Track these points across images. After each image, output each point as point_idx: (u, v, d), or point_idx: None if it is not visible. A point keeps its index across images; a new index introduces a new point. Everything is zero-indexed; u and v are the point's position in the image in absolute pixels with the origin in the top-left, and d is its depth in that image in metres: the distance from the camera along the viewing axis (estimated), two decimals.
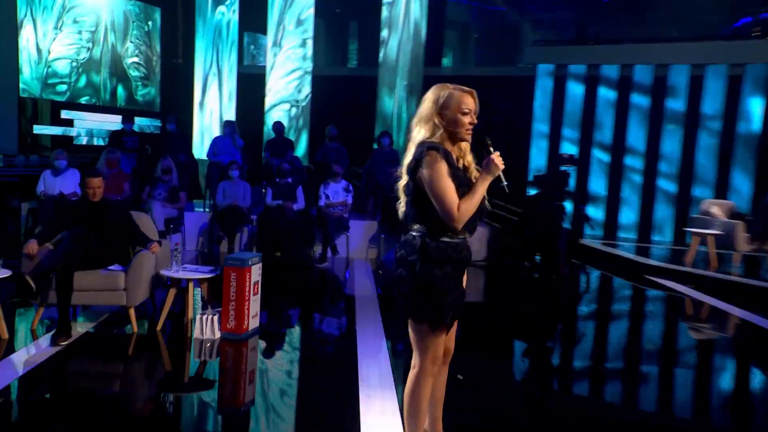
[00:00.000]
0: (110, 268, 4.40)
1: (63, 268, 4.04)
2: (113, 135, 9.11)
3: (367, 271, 7.32)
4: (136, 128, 9.55)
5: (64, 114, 12.41)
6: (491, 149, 2.48)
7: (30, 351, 3.99)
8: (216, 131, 11.64)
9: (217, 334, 4.39)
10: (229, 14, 12.13)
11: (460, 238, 2.49)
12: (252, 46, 15.17)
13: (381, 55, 11.30)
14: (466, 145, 2.55)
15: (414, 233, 2.47)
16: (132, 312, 4.41)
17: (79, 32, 12.59)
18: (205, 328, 4.36)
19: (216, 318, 4.39)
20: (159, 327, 4.52)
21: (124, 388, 3.83)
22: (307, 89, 11.48)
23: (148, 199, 7.52)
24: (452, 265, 2.46)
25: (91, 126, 12.84)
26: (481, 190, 2.44)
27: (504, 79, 11.79)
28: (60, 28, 12.15)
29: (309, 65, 11.57)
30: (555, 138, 10.49)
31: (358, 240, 7.94)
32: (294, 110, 11.48)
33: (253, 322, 4.53)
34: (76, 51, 12.48)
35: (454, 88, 2.49)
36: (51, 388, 3.66)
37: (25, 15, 11.61)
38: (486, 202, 2.50)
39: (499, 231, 8.45)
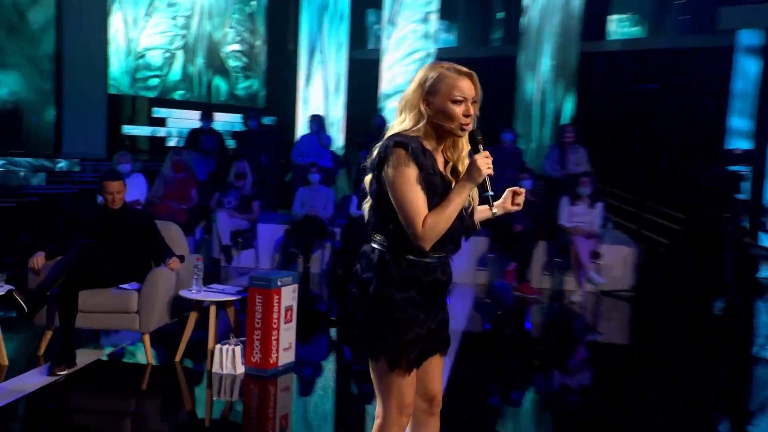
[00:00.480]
0: (125, 286, 4.66)
1: (64, 285, 4.34)
2: (191, 134, 9.74)
3: (473, 300, 7.24)
4: (220, 126, 10.19)
5: (157, 113, 13.44)
6: (480, 148, 2.32)
7: (24, 380, 4.31)
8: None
9: (240, 369, 4.49)
10: None
11: (434, 257, 2.35)
12: (376, 26, 15.50)
13: (521, 28, 11.12)
14: (465, 144, 2.42)
15: (374, 245, 2.38)
16: (146, 339, 4.64)
17: (173, 18, 13.63)
18: (225, 361, 4.48)
19: (239, 349, 4.50)
20: (177, 358, 4.72)
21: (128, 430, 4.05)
22: None
23: (216, 208, 7.92)
24: (418, 290, 2.34)
25: (185, 125, 13.83)
26: (456, 201, 2.29)
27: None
28: (150, 15, 13.21)
29: (432, 46, 11.61)
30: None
31: (463, 260, 7.81)
32: None
33: (285, 356, 4.59)
34: (169, 39, 13.52)
35: (448, 68, 2.35)
36: (33, 425, 3.94)
37: (114, 1, 12.73)
38: (465, 216, 2.39)
39: (650, 252, 8.03)
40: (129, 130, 13.17)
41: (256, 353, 4.47)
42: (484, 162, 2.27)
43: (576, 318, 7.04)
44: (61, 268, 4.43)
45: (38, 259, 4.62)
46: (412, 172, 2.25)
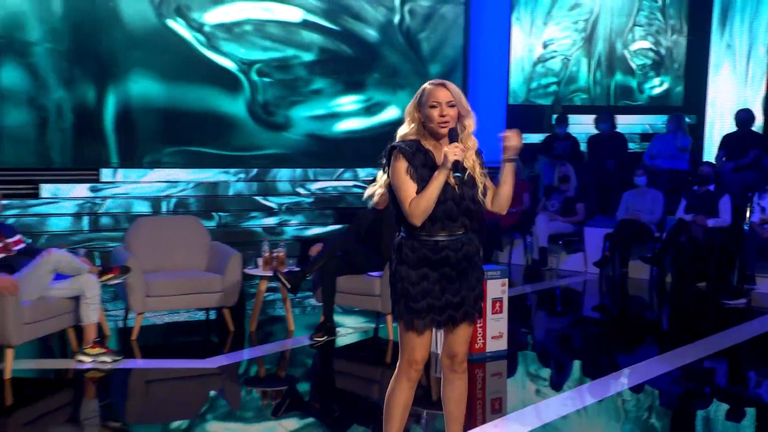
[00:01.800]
0: (372, 274, 5.92)
1: (321, 269, 5.78)
2: (546, 139, 10.64)
3: None
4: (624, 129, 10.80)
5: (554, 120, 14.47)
6: (459, 140, 3.00)
7: (285, 345, 5.90)
8: (728, 128, 11.76)
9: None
10: None
11: (443, 237, 3.06)
12: None
13: None
14: (474, 147, 3.13)
15: (400, 233, 3.18)
16: (388, 319, 5.83)
17: (575, 22, 14.58)
18: (438, 341, 5.41)
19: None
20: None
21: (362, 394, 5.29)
22: None
23: (540, 211, 8.75)
24: (431, 267, 3.07)
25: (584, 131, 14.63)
26: (434, 185, 2.97)
27: None
28: (547, 23, 14.37)
29: None
30: None
31: None
32: None
33: (494, 344, 5.31)
34: (568, 45, 14.50)
35: (430, 83, 3.15)
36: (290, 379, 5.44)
37: (512, 13, 14.17)
38: (465, 198, 3.02)
39: None
40: (529, 138, 14.43)
41: None
42: (452, 150, 2.94)
43: None
44: (319, 257, 5.88)
45: (316, 248, 6.14)
46: (401, 166, 3.04)
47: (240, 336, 6.27)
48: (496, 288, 5.36)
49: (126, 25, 11.16)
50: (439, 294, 3.08)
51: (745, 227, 7.94)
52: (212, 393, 5.16)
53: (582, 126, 14.22)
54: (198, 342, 6.50)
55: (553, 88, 14.55)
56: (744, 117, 9.37)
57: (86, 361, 5.13)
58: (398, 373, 3.19)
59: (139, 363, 5.53)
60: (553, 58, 14.41)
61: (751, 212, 7.81)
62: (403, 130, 3.13)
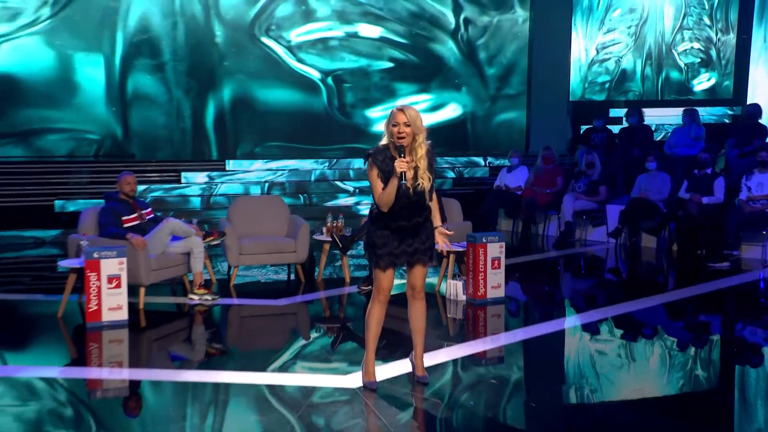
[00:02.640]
0: None
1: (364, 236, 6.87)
2: (585, 131, 11.30)
3: None
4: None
5: (613, 113, 14.96)
6: (403, 155, 3.92)
7: (341, 291, 6.98)
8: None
9: (461, 297, 6.37)
10: None
11: (399, 222, 4.01)
12: None
13: None
14: (422, 153, 4.01)
15: (372, 207, 4.18)
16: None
17: (628, 27, 15.01)
18: (451, 290, 6.42)
19: (461, 285, 6.38)
20: (436, 289, 6.82)
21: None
22: None
23: (568, 192, 9.53)
24: (390, 231, 4.04)
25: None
26: (389, 187, 3.92)
27: None
28: (603, 28, 14.87)
29: None
30: None
31: None
32: None
33: (494, 292, 6.26)
34: (620, 48, 14.96)
35: (396, 107, 4.05)
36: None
37: (572, 20, 14.76)
38: (409, 192, 3.94)
39: None
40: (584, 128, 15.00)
41: (471, 287, 6.30)
42: (398, 165, 3.88)
43: None
44: (363, 225, 6.89)
45: (364, 220, 7.19)
46: (373, 172, 4.00)
47: (309, 285, 7.29)
48: (495, 249, 6.23)
49: (230, 45, 12.74)
50: (397, 245, 4.02)
51: (736, 203, 8.49)
52: (287, 324, 6.27)
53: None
54: (278, 288, 7.46)
55: (607, 85, 15.10)
56: (751, 110, 9.81)
57: (194, 299, 6.32)
58: (373, 299, 4.15)
59: (234, 301, 6.66)
60: (607, 60, 14.94)
61: (740, 191, 8.36)
62: (381, 140, 4.03)
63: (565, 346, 5.59)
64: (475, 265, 6.23)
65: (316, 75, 13.30)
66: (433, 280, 6.82)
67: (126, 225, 6.24)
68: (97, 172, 11.41)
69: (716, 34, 15.03)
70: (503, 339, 5.49)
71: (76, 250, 6.08)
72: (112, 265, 5.56)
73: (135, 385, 4.64)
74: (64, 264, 6.10)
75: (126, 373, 4.87)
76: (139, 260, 5.99)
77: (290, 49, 13.09)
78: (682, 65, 15.07)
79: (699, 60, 15.16)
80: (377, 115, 13.60)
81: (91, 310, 5.54)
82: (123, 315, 5.63)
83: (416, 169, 3.95)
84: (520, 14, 14.75)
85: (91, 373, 4.81)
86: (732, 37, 15.01)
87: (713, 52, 15.11)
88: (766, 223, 8.03)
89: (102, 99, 12.08)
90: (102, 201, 6.60)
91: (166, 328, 6.05)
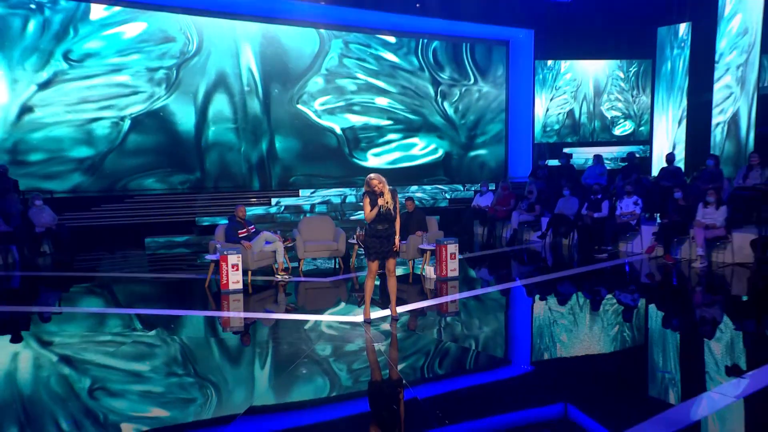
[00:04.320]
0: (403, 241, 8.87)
1: None
2: (534, 167, 13.08)
3: (632, 261, 9.19)
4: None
5: (566, 150, 16.63)
6: (381, 196, 5.89)
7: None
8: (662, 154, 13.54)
9: (432, 276, 8.29)
10: None
11: (381, 228, 5.84)
12: None
13: None
14: (388, 194, 5.86)
15: (366, 225, 6.14)
16: (411, 264, 8.81)
17: (570, 91, 16.71)
18: (428, 272, 8.36)
19: (433, 268, 8.33)
20: (421, 271, 8.70)
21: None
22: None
23: (517, 209, 11.38)
24: (376, 238, 5.86)
25: (581, 156, 16.69)
26: (374, 211, 5.75)
27: None
28: (550, 94, 16.61)
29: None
30: None
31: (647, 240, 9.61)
32: None
33: (451, 273, 8.14)
34: (565, 105, 16.66)
35: (375, 176, 5.83)
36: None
37: (534, 88, 16.51)
38: (389, 212, 5.88)
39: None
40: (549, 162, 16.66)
41: (437, 269, 8.23)
42: (380, 201, 5.77)
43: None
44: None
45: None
46: (367, 201, 5.87)
47: (345, 269, 8.84)
48: (452, 248, 8.04)
49: (278, 111, 13.96)
50: (379, 247, 5.77)
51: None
52: (333, 292, 7.73)
53: (576, 155, 16.36)
54: (327, 271, 8.75)
55: (555, 128, 16.75)
56: (669, 157, 11.35)
57: (278, 278, 8.07)
58: (367, 275, 5.91)
59: (301, 279, 8.29)
60: (554, 114, 16.63)
61: (616, 210, 10.09)
62: (375, 185, 5.89)
63: (498, 302, 7.10)
64: (440, 257, 8.15)
65: (335, 127, 14.66)
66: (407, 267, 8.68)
67: (240, 235, 8.14)
68: (214, 199, 12.85)
69: (632, 95, 16.62)
70: (454, 297, 7.24)
71: (213, 249, 8.17)
72: (234, 258, 7.46)
73: (249, 321, 6.31)
74: (208, 257, 8.08)
75: (242, 315, 6.54)
76: (247, 255, 7.83)
77: (315, 111, 14.44)
78: (608, 117, 16.68)
79: (620, 113, 16.75)
80: (379, 156, 15.15)
81: (223, 282, 7.48)
82: (239, 286, 7.46)
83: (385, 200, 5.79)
84: (502, 87, 16.45)
85: (223, 315, 6.62)
86: (645, 98, 16.57)
87: (630, 108, 16.70)
88: (629, 230, 9.76)
89: (202, 148, 13.48)
90: (225, 219, 8.50)
91: (263, 294, 7.49)
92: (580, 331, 5.95)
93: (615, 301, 7.19)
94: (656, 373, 4.81)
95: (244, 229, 8.23)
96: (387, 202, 5.74)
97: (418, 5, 14.03)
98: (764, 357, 4.97)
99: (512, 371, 4.87)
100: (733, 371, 4.66)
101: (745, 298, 7.21)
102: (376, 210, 5.70)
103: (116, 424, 3.96)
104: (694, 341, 5.66)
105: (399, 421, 3.95)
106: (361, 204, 8.27)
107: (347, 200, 13.84)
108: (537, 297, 7.43)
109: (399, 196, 6.50)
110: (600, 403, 4.12)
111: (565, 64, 16.44)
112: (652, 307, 6.93)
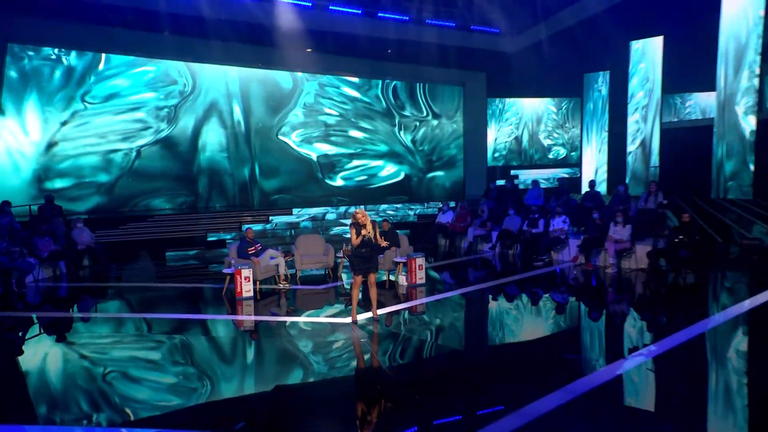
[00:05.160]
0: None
1: None
2: (486, 189, 14.03)
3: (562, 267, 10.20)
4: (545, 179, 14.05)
5: (513, 172, 17.66)
6: (365, 227, 6.74)
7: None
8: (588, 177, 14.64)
9: (405, 283, 9.10)
10: None
11: (363, 250, 6.62)
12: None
13: None
14: (369, 225, 6.66)
15: (352, 247, 7.01)
16: (387, 273, 9.65)
17: (515, 122, 17.71)
18: (401, 280, 9.19)
19: (405, 277, 9.17)
20: (395, 279, 9.49)
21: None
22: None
23: (472, 225, 12.31)
24: (360, 257, 6.63)
25: (525, 177, 17.62)
26: (358, 238, 6.56)
27: None
28: (500, 125, 17.62)
29: None
30: None
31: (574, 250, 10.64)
32: None
33: (419, 281, 8.94)
34: (509, 136, 17.69)
35: (360, 212, 6.71)
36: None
37: (487, 120, 17.45)
38: (370, 240, 6.74)
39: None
40: (498, 182, 17.60)
41: (408, 277, 9.05)
42: (364, 231, 6.57)
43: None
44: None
45: None
46: (354, 231, 6.66)
47: (334, 278, 9.34)
48: (420, 261, 8.87)
49: (263, 142, 14.42)
50: (363, 265, 6.46)
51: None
52: (324, 297, 8.28)
53: (526, 175, 17.33)
54: (319, 279, 9.23)
55: (503, 154, 17.74)
56: (591, 183, 12.41)
57: (280, 286, 8.72)
58: (353, 286, 6.63)
59: (299, 286, 8.83)
60: (501, 142, 17.62)
61: (550, 226, 11.12)
62: (360, 219, 6.81)
63: (457, 303, 7.96)
64: (411, 268, 8.96)
65: (311, 155, 15.28)
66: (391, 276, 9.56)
67: (249, 252, 8.80)
68: (223, 217, 13.32)
69: (563, 127, 17.74)
70: (422, 301, 8.02)
71: (228, 264, 8.88)
72: (246, 271, 8.16)
73: (257, 322, 7.12)
74: (225, 271, 8.75)
75: (253, 318, 7.30)
76: (256, 269, 8.54)
77: (294, 141, 14.96)
78: (545, 144, 17.76)
79: (554, 141, 17.83)
80: (347, 177, 15.73)
81: (237, 291, 8.18)
82: (251, 293, 8.13)
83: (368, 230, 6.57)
84: (459, 120, 17.37)
85: (237, 317, 7.33)
86: (575, 129, 17.69)
87: (562, 137, 17.80)
88: (560, 243, 10.75)
89: (195, 174, 14.05)
90: (227, 235, 9.16)
91: (269, 299, 8.12)
92: (523, 323, 6.90)
93: (549, 298, 8.19)
94: (575, 353, 5.79)
95: (252, 247, 8.92)
96: (369, 232, 6.48)
97: (389, 51, 14.84)
98: (656, 337, 6.01)
99: (468, 359, 5.76)
100: (632, 350, 5.68)
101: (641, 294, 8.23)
102: (360, 238, 6.44)
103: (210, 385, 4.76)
104: (608, 327, 6.72)
105: (380, 398, 4.79)
106: (347, 226, 8.98)
107: (327, 217, 14.46)
108: (489, 297, 8.33)
109: (374, 216, 7.17)
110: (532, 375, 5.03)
111: (509, 101, 17.48)
112: (576, 303, 7.99)
